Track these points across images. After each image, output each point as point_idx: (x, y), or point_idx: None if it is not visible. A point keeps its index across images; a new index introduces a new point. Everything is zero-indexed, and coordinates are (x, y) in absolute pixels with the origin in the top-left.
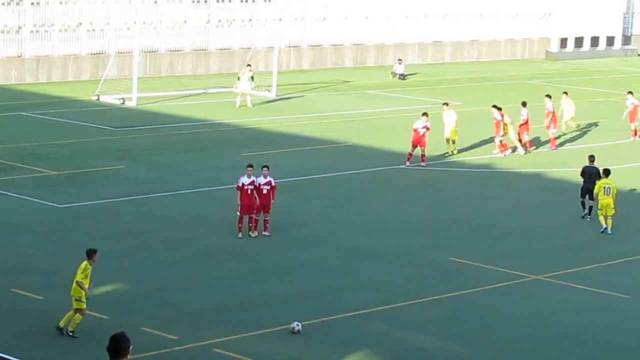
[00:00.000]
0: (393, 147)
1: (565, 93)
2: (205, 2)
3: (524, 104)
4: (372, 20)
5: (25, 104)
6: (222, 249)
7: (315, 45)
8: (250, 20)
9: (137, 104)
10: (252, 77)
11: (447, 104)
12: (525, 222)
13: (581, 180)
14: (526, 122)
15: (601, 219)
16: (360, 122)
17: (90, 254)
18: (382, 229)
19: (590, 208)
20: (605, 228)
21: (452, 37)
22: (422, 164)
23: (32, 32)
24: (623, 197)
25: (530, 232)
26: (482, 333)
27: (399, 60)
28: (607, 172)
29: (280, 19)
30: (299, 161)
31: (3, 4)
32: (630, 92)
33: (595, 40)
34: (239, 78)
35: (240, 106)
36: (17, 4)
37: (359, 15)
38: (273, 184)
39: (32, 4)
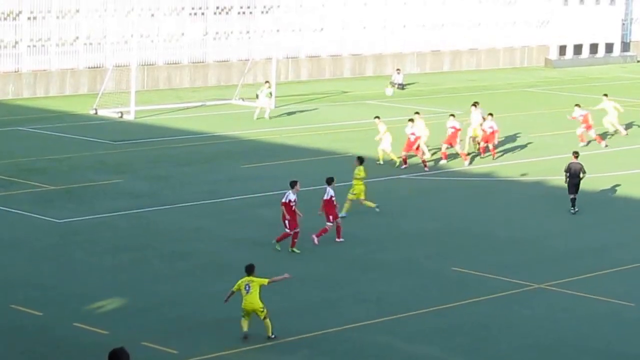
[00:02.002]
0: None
1: (606, 95)
2: (203, 14)
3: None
4: (370, 30)
5: (23, 119)
6: (221, 262)
7: (314, 56)
8: (248, 32)
9: (135, 118)
10: (270, 94)
11: (418, 113)
12: (527, 231)
13: (566, 175)
14: (493, 133)
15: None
16: (359, 133)
17: None
18: (383, 240)
19: (574, 200)
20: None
21: (450, 46)
22: (426, 169)
23: (29, 46)
24: (625, 205)
25: (532, 240)
26: (485, 343)
27: (398, 70)
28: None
29: (278, 30)
30: (299, 173)
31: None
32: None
33: (594, 47)
34: (257, 96)
35: (257, 118)
36: (14, 18)
37: (356, 26)
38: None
39: (29, 18)
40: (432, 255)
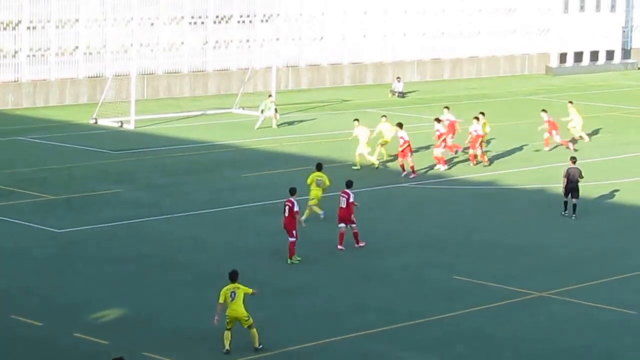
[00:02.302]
0: (394, 166)
1: (571, 102)
2: (202, 23)
3: (477, 118)
4: (370, 38)
5: (23, 129)
6: (222, 272)
7: (314, 65)
8: (248, 40)
9: (135, 127)
10: (276, 109)
11: (357, 120)
12: (529, 239)
13: (564, 180)
14: (477, 137)
15: None
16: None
17: None
18: (384, 249)
19: (575, 207)
20: None
21: (450, 54)
22: (411, 175)
23: (28, 56)
24: (625, 212)
25: (534, 248)
26: (487, 352)
27: (398, 78)
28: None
29: (278, 39)
30: (299, 181)
31: None
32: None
33: (594, 55)
34: (262, 111)
35: (258, 128)
36: (14, 28)
37: (356, 34)
38: (351, 199)
39: (29, 28)
40: (434, 263)
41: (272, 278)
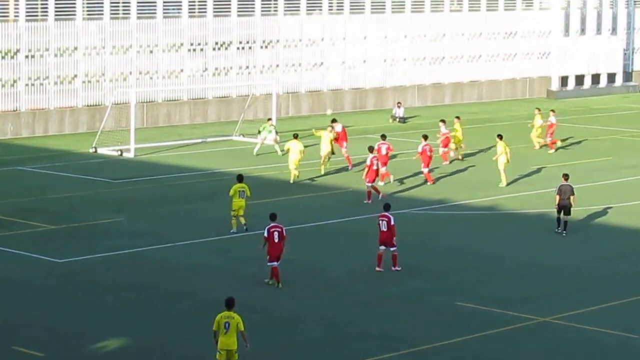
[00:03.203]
0: (397, 192)
1: (538, 109)
2: (202, 50)
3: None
4: (370, 63)
5: (22, 158)
6: (224, 300)
7: (314, 91)
8: (247, 67)
9: (135, 155)
10: (277, 131)
11: (296, 136)
12: (531, 264)
13: (557, 197)
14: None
15: None
16: (361, 168)
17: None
18: (386, 275)
19: (565, 223)
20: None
21: (451, 79)
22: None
23: (27, 85)
24: (628, 236)
25: (537, 273)
26: None
27: (399, 103)
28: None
29: (278, 65)
30: (301, 208)
31: None
32: (553, 110)
33: (596, 78)
34: (260, 132)
35: (257, 154)
36: (12, 57)
37: (356, 59)
38: (392, 222)
39: (27, 57)
40: (436, 289)
41: (272, 305)
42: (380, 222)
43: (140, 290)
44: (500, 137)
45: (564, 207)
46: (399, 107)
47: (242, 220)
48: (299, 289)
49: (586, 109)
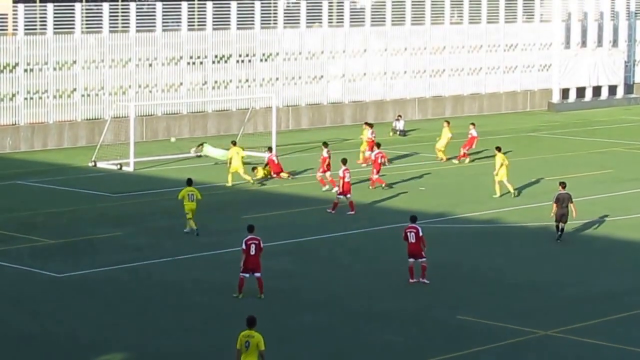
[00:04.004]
0: (395, 205)
1: (447, 122)
2: (201, 63)
3: (378, 145)
4: (370, 76)
5: (21, 173)
6: (224, 315)
7: (314, 104)
8: (247, 80)
9: (135, 169)
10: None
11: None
12: (532, 277)
13: (554, 206)
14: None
15: None
16: (362, 181)
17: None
18: (386, 289)
19: (562, 230)
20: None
21: (452, 91)
22: (351, 212)
23: (26, 99)
24: (630, 249)
25: (537, 287)
26: None
27: (399, 116)
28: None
29: (277, 79)
30: (300, 222)
31: None
32: (473, 124)
33: (597, 90)
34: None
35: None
36: (11, 71)
37: (357, 72)
38: (421, 234)
39: (26, 70)
40: (437, 303)
41: (274, 320)
42: (409, 233)
43: (141, 304)
44: (498, 149)
45: (562, 215)
46: (398, 120)
47: (193, 225)
48: (298, 303)
49: (587, 122)
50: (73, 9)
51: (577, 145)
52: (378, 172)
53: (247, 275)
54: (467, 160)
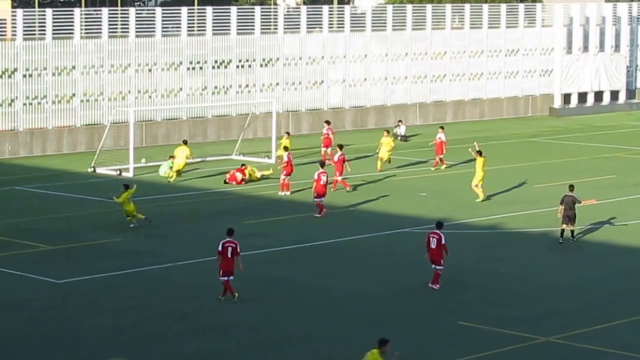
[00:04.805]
0: (396, 211)
1: (387, 132)
2: (201, 69)
3: (340, 147)
4: (371, 82)
5: (20, 178)
6: (224, 321)
7: (314, 109)
8: (247, 85)
9: (134, 175)
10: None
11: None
12: (533, 283)
13: (560, 208)
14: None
15: None
16: (361, 186)
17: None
18: (387, 294)
19: (572, 232)
20: None
21: (453, 97)
22: (320, 213)
23: (25, 104)
24: (632, 255)
25: (539, 292)
26: None
27: (400, 121)
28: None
29: (278, 84)
30: (301, 228)
31: None
32: (442, 127)
33: (599, 95)
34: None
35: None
36: (9, 76)
37: (357, 78)
38: (443, 241)
39: (25, 76)
40: (438, 309)
41: (273, 326)
42: (431, 238)
43: (140, 310)
44: (480, 153)
45: (568, 218)
46: (399, 125)
47: (141, 216)
48: (299, 308)
49: (589, 127)
50: (72, 14)
51: (578, 151)
52: (341, 173)
53: (227, 278)
54: (444, 166)
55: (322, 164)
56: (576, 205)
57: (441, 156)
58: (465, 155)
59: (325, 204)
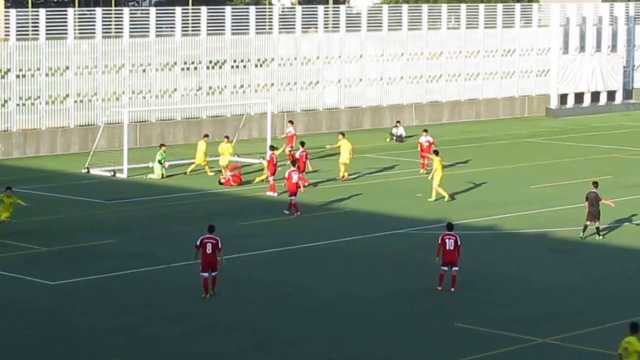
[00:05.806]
0: (392, 212)
1: (342, 134)
2: (195, 69)
3: (302, 144)
4: (367, 82)
5: (13, 179)
6: (223, 322)
7: (310, 110)
8: (242, 86)
9: (128, 176)
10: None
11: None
12: (531, 284)
13: (587, 204)
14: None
15: None
16: (357, 187)
17: None
18: (384, 296)
19: (597, 229)
20: None
21: (449, 97)
22: (289, 210)
23: (18, 105)
24: (630, 256)
25: (536, 294)
26: None
27: (398, 122)
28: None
29: (273, 84)
30: (295, 229)
31: None
32: (426, 130)
33: (595, 96)
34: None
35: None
36: (2, 77)
37: (353, 78)
38: (459, 242)
39: (18, 76)
40: (434, 311)
41: (272, 327)
42: (447, 240)
43: (137, 312)
44: (436, 153)
45: (594, 214)
46: (397, 126)
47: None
48: (296, 311)
49: (586, 127)
50: (66, 14)
51: (575, 151)
52: (302, 170)
53: (207, 274)
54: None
55: (293, 163)
56: (599, 202)
57: (427, 160)
58: (463, 156)
59: (324, 204)
